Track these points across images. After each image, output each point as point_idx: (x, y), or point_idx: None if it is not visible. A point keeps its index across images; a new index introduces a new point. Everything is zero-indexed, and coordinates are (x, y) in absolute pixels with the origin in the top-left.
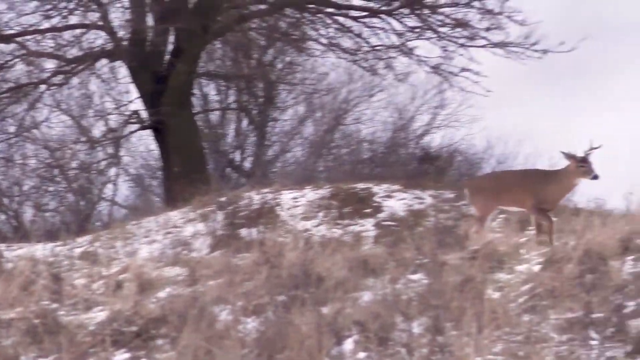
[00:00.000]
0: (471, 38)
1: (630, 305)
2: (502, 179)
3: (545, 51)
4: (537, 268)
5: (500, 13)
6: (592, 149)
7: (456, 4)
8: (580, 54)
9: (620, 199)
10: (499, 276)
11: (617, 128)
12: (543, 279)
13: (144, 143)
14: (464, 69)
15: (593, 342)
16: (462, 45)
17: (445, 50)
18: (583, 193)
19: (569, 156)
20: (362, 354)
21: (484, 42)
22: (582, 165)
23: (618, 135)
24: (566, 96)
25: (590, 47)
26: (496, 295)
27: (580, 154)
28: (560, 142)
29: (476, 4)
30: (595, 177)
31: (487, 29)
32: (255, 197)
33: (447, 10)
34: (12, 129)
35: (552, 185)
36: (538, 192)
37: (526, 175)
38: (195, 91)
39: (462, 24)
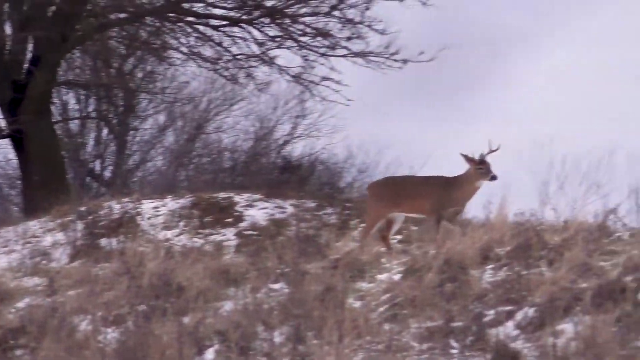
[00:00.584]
0: (332, 47)
1: (490, 313)
2: (402, 184)
3: (405, 61)
4: (397, 277)
5: (360, 22)
6: (490, 151)
7: (317, 14)
8: (450, 65)
9: (479, 208)
10: (360, 285)
11: (478, 139)
12: (404, 288)
13: (2, 152)
14: (325, 79)
15: (453, 351)
16: (322, 54)
17: (306, 60)
18: None
19: (468, 159)
20: None
21: (344, 51)
22: (480, 168)
23: (479, 146)
24: (429, 106)
25: (458, 59)
26: (357, 304)
27: (478, 156)
28: (419, 151)
29: (337, 13)
30: (494, 178)
31: (348, 39)
32: (115, 207)
33: (307, 19)
34: None
35: (455, 190)
36: (441, 198)
37: (428, 181)
38: (55, 100)
39: (322, 33)
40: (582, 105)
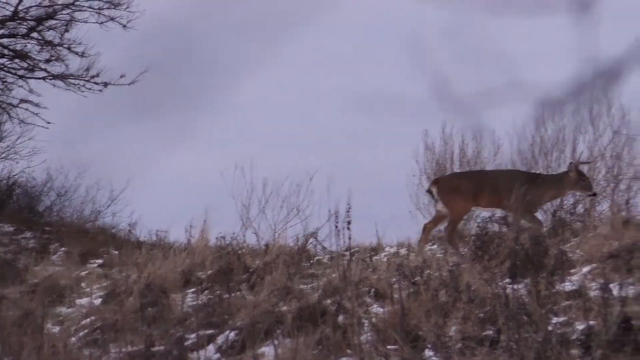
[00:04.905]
0: (31, 69)
1: (191, 337)
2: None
3: (106, 84)
4: (98, 301)
5: (60, 44)
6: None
7: (14, 35)
8: (162, 87)
9: (181, 231)
10: (59, 310)
11: (184, 161)
12: (104, 313)
13: None
14: (23, 101)
15: None
16: (21, 76)
17: (4, 82)
18: (145, 226)
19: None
20: None
21: (43, 73)
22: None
23: (186, 170)
24: (138, 128)
25: (173, 80)
26: (56, 329)
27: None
28: (121, 173)
29: (35, 35)
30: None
31: (47, 61)
32: None
33: (5, 41)
34: None
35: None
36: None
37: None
38: None
39: (21, 55)
40: (284, 129)
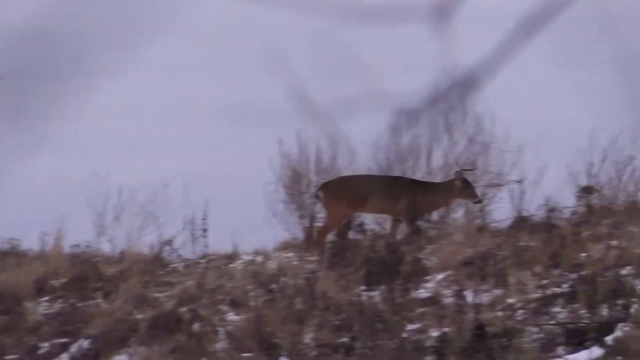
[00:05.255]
0: None
1: (45, 346)
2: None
3: None
4: None
5: None
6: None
7: None
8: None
9: (35, 239)
10: None
11: (36, 169)
12: None
13: None
14: None
15: None
16: None
17: None
18: None
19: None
20: None
21: None
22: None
23: (42, 178)
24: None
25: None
26: None
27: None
28: None
29: None
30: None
31: None
32: None
33: None
34: None
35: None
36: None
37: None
38: None
39: None
40: (144, 136)
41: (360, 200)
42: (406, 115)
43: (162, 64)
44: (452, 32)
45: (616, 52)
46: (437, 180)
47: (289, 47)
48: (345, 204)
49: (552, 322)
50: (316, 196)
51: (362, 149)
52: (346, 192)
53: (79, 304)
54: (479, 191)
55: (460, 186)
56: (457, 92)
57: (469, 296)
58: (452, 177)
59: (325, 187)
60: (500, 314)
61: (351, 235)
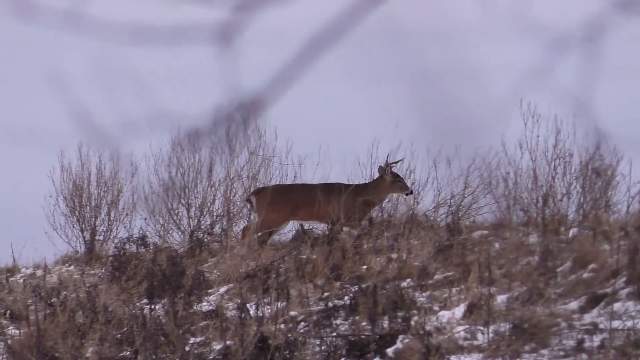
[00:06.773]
0: None
1: None
2: None
3: None
4: None
5: None
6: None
7: None
8: None
9: None
10: None
11: None
12: None
13: None
14: None
15: None
16: None
17: None
18: None
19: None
20: None
21: None
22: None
23: None
24: None
25: None
26: None
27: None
28: None
29: None
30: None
31: None
32: None
33: None
34: None
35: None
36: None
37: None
38: None
39: None
40: None
41: (293, 209)
42: (190, 134)
43: None
44: (236, 55)
45: (404, 66)
46: (366, 181)
47: (73, 69)
48: (278, 211)
49: (333, 334)
50: (248, 201)
51: (144, 161)
52: (279, 201)
53: None
54: (408, 182)
55: (392, 180)
56: (241, 113)
57: (252, 309)
58: (380, 174)
59: (258, 193)
60: (282, 326)
61: (134, 249)
